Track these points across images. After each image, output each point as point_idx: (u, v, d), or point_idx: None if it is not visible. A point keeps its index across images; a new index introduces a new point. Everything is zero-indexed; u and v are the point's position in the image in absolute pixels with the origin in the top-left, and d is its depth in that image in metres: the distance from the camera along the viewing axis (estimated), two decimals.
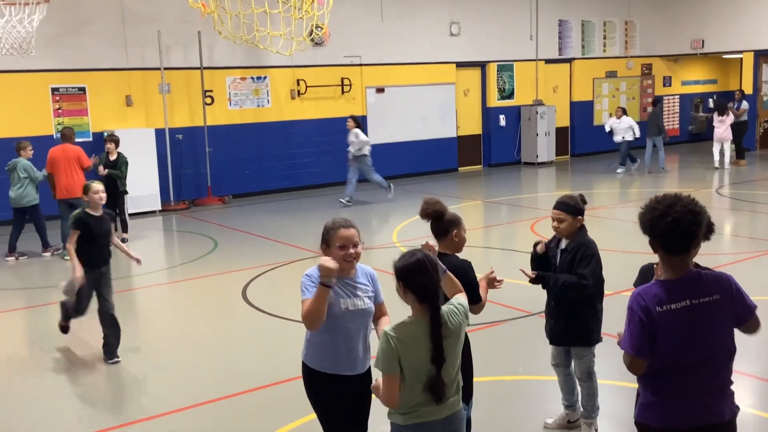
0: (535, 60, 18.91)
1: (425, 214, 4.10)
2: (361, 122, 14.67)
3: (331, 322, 3.51)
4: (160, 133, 13.87)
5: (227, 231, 11.80)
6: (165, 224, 12.78)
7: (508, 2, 18.25)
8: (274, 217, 12.95)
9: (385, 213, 13.24)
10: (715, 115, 16.65)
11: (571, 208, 4.42)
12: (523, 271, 4.45)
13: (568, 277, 4.34)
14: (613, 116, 17.42)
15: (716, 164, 16.50)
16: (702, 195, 13.92)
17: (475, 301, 3.81)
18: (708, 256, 9.08)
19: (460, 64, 17.83)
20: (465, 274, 3.81)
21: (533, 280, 4.49)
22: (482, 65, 18.34)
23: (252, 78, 15.09)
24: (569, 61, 19.84)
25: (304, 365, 3.72)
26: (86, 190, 6.19)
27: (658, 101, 17.65)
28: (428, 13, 17.07)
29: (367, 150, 13.86)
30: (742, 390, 5.36)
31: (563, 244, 4.48)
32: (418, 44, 17.00)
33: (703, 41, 20.48)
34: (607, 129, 17.17)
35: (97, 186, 6.19)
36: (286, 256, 9.70)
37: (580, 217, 4.44)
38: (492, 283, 3.96)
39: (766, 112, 19.97)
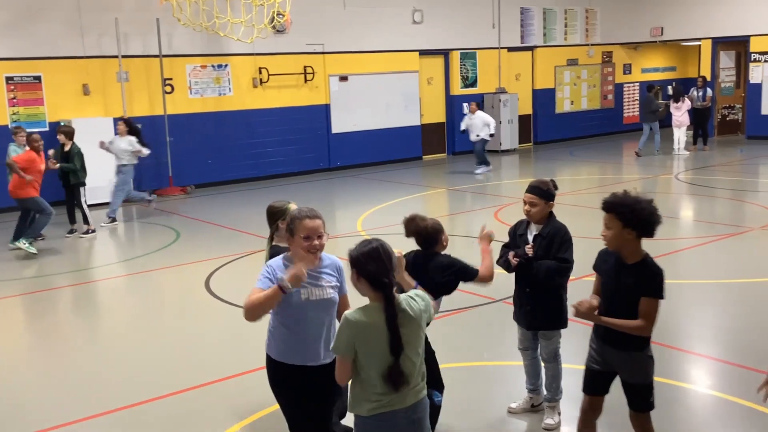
0: (497, 48, 18.97)
1: (409, 234, 4.38)
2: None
3: (293, 311, 3.47)
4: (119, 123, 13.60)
5: (189, 221, 11.65)
6: (125, 215, 12.57)
7: None
8: (237, 207, 12.82)
9: (350, 202, 13.19)
10: (672, 102, 16.96)
11: (544, 192, 4.43)
12: (510, 258, 4.45)
13: (550, 263, 4.37)
14: (481, 112, 15.51)
15: (675, 150, 16.82)
16: (663, 180, 14.14)
17: (472, 276, 4.28)
18: (669, 240, 9.24)
19: (424, 52, 17.81)
20: (457, 261, 4.32)
21: (513, 267, 4.48)
22: (445, 53, 18.35)
23: (213, 66, 14.88)
24: (531, 49, 19.95)
25: (268, 357, 3.67)
26: None
27: (651, 87, 18.22)
28: (391, 1, 17.00)
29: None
30: (702, 372, 5.46)
31: (534, 229, 4.49)
32: (381, 32, 16.94)
33: (662, 29, 20.75)
34: (462, 127, 15.71)
35: None
36: (249, 246, 9.61)
37: (551, 202, 4.46)
38: (489, 237, 4.38)
39: (725, 98, 20.35)
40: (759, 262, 8.21)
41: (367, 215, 11.46)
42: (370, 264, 3.03)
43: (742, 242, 9.03)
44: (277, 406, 3.74)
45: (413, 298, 3.15)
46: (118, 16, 13.52)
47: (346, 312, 3.07)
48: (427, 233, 4.30)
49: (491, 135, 15.29)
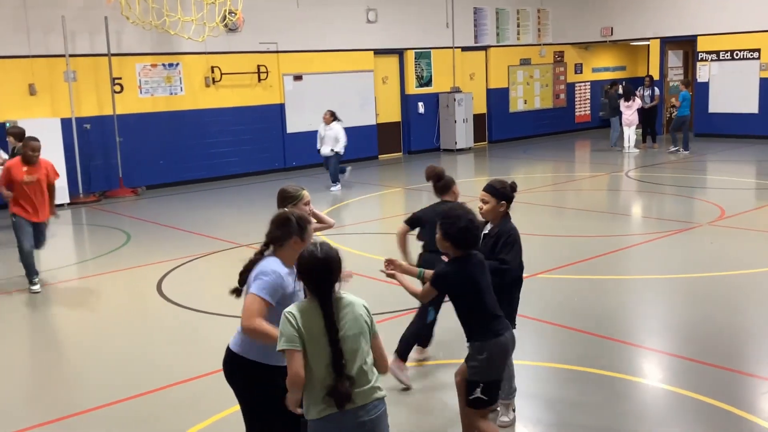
0: (451, 47, 19.07)
1: (429, 177, 5.35)
2: None
3: (286, 304, 3.23)
4: (66, 123, 13.30)
5: (140, 223, 11.44)
6: (74, 218, 12.28)
7: None
8: (190, 208, 12.63)
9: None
10: (622, 101, 17.28)
11: (497, 191, 4.41)
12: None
13: (489, 262, 4.35)
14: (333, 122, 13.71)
15: (625, 148, 17.13)
16: (614, 178, 14.38)
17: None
18: (618, 237, 9.39)
19: (378, 52, 17.80)
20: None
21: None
22: (400, 52, 18.37)
23: (163, 65, 14.63)
24: (485, 48, 20.10)
25: (238, 357, 3.51)
26: None
27: (616, 83, 18.80)
28: (345, 0, 16.95)
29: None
30: (654, 365, 5.55)
31: (487, 229, 4.49)
32: (335, 31, 16.88)
33: (612, 29, 21.11)
34: (319, 142, 13.88)
35: None
36: (202, 248, 9.47)
37: (503, 201, 4.42)
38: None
39: (673, 97, 20.77)
40: (707, 257, 8.40)
41: (323, 215, 11.36)
42: (315, 273, 3.05)
43: (690, 238, 9.22)
44: (230, 411, 3.67)
45: (355, 304, 3.12)
46: (64, 13, 13.20)
47: (286, 309, 3.04)
48: (443, 178, 5.27)
49: (340, 153, 13.61)
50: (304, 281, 3.06)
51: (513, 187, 4.49)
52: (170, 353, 6.11)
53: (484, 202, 4.43)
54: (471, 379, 3.85)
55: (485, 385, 3.81)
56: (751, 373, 5.23)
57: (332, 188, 13.67)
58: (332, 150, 13.60)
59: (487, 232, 4.47)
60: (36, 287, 7.89)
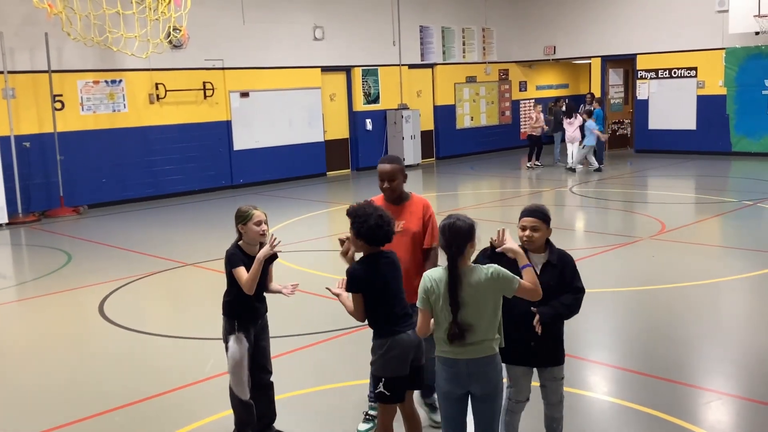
0: (398, 65, 19.20)
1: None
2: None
3: None
4: (4, 141, 12.93)
5: (82, 243, 11.15)
6: (13, 238, 11.91)
7: (370, 8, 18.44)
8: (133, 227, 12.37)
9: None
10: (565, 118, 17.63)
11: (547, 217, 4.01)
12: (535, 325, 3.96)
13: (569, 297, 4.06)
14: None
15: (568, 164, 17.46)
16: (558, 193, 14.63)
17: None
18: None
19: (326, 69, 17.81)
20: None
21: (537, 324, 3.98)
22: (347, 70, 18.42)
23: (106, 81, 14.37)
24: (431, 66, 20.31)
25: None
26: None
27: (560, 100, 19.52)
28: (291, 17, 16.94)
29: None
30: (599, 378, 5.62)
31: (535, 258, 3.97)
32: (282, 48, 16.84)
33: (554, 48, 21.58)
34: None
35: None
36: (146, 268, 9.27)
37: (550, 228, 4.03)
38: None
39: (614, 114, 21.31)
40: (649, 270, 8.58)
41: (271, 232, 11.27)
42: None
43: (632, 252, 9.42)
44: None
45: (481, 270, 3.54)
46: (3, 29, 12.87)
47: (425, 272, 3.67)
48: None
49: None
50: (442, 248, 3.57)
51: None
52: (113, 376, 5.94)
53: (535, 230, 3.94)
54: (374, 374, 3.99)
55: (387, 380, 3.92)
56: (693, 384, 5.34)
57: None
58: None
59: (548, 260, 4.02)
60: None
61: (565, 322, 4.18)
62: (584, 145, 16.93)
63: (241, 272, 4.29)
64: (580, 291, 4.06)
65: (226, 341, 4.39)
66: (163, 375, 5.79)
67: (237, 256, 4.38)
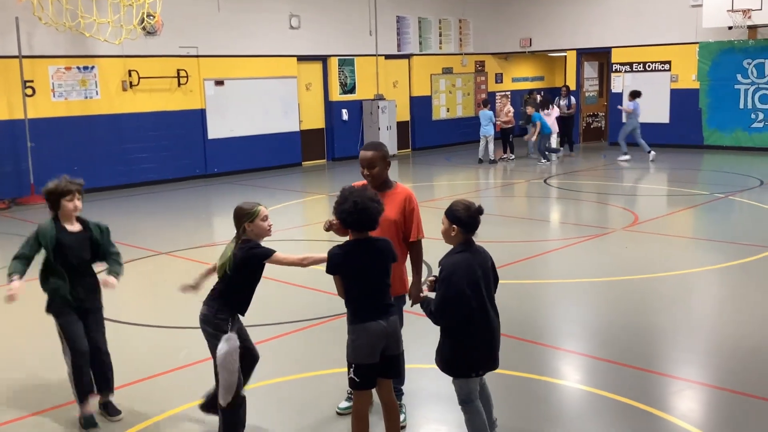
0: (375, 55, 19.15)
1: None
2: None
3: None
4: None
5: None
6: None
7: None
8: (105, 216, 12.10)
9: (227, 209, 12.87)
10: (541, 110, 17.70)
11: (448, 212, 4.07)
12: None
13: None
14: None
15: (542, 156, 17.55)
16: (533, 185, 14.70)
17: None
18: (537, 242, 9.60)
19: (302, 58, 17.71)
20: None
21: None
22: (323, 59, 18.33)
23: (78, 68, 14.14)
24: (408, 57, 20.28)
25: None
26: None
27: (533, 92, 19.48)
28: (267, 5, 16.80)
29: None
30: (571, 367, 5.67)
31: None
32: (257, 36, 16.70)
33: (530, 40, 21.65)
34: None
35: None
36: None
37: (454, 226, 4.03)
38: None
39: (589, 107, 21.46)
40: (621, 261, 8.67)
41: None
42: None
43: (606, 243, 9.51)
44: (147, 422, 3.54)
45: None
46: None
47: None
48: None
49: None
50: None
51: (477, 211, 4.03)
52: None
53: (442, 222, 4.07)
54: (347, 359, 4.03)
55: (356, 366, 3.96)
56: (664, 372, 5.41)
57: None
58: None
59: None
60: None
61: (540, 310, 4.19)
62: (542, 137, 17.12)
63: (280, 255, 4.25)
64: (428, 303, 4.12)
65: (212, 341, 4.27)
66: (135, 364, 5.73)
67: (260, 248, 4.25)
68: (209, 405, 4.51)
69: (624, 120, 17.69)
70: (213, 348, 4.27)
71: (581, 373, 5.54)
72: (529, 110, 17.31)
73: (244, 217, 4.27)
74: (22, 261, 4.80)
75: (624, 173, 16.11)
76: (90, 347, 4.77)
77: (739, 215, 11.24)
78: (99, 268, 5.10)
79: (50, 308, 4.90)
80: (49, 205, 4.92)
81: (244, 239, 4.26)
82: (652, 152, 16.85)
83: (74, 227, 4.95)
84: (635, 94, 17.34)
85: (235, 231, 4.32)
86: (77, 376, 4.70)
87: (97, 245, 4.99)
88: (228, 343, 4.19)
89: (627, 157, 17.02)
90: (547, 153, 17.19)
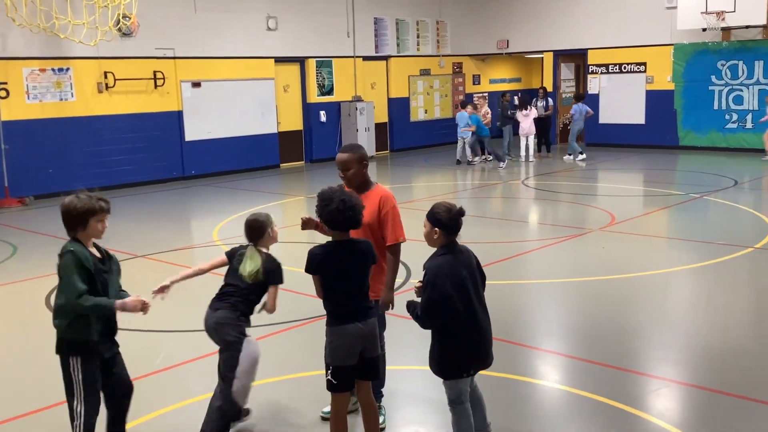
0: (353, 57, 19.14)
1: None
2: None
3: None
4: None
5: (28, 235, 10.86)
6: None
7: None
8: None
9: (205, 211, 12.81)
10: (519, 111, 17.80)
11: (429, 215, 4.05)
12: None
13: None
14: None
15: (522, 157, 17.66)
16: (511, 186, 14.78)
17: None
18: (515, 243, 9.64)
19: (279, 59, 17.66)
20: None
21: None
22: (301, 61, 18.28)
23: (53, 69, 13.98)
24: (386, 58, 20.29)
25: None
26: None
27: (506, 94, 19.61)
28: (244, 6, 16.73)
29: None
30: (549, 367, 5.70)
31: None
32: (234, 38, 16.63)
33: (507, 42, 21.77)
34: None
35: None
36: None
37: (436, 228, 4.00)
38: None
39: (566, 108, 21.60)
40: (598, 261, 8.73)
41: (224, 225, 11.16)
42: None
43: (583, 243, 9.58)
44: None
45: None
46: None
47: None
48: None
49: None
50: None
51: (459, 213, 3.99)
52: (60, 370, 5.79)
53: (424, 225, 4.03)
54: (325, 360, 4.03)
55: (333, 368, 3.97)
56: (641, 371, 5.45)
57: None
58: None
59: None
60: None
61: (518, 310, 4.21)
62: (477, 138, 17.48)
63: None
64: (414, 307, 4.07)
65: (236, 344, 4.32)
66: None
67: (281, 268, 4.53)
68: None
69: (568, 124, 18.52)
70: (233, 351, 4.28)
71: (559, 373, 5.57)
72: (469, 110, 17.47)
73: (265, 227, 4.57)
74: (91, 294, 4.02)
75: (600, 174, 16.24)
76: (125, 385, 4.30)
77: (714, 215, 11.38)
78: None
79: (74, 350, 4.16)
80: (72, 223, 4.12)
81: (266, 253, 4.53)
82: (582, 155, 17.62)
83: (95, 252, 4.23)
84: (579, 98, 17.89)
85: (252, 241, 4.56)
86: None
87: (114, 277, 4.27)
88: (256, 345, 4.35)
89: (583, 156, 17.54)
90: (493, 154, 17.42)
